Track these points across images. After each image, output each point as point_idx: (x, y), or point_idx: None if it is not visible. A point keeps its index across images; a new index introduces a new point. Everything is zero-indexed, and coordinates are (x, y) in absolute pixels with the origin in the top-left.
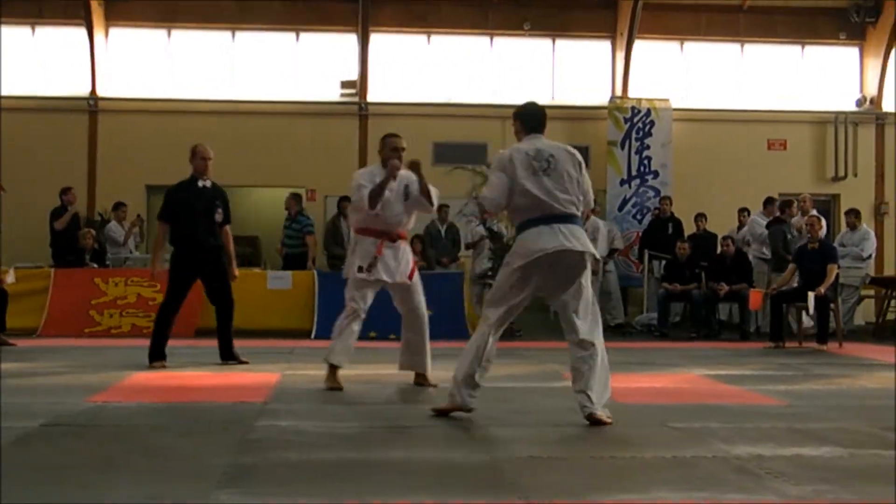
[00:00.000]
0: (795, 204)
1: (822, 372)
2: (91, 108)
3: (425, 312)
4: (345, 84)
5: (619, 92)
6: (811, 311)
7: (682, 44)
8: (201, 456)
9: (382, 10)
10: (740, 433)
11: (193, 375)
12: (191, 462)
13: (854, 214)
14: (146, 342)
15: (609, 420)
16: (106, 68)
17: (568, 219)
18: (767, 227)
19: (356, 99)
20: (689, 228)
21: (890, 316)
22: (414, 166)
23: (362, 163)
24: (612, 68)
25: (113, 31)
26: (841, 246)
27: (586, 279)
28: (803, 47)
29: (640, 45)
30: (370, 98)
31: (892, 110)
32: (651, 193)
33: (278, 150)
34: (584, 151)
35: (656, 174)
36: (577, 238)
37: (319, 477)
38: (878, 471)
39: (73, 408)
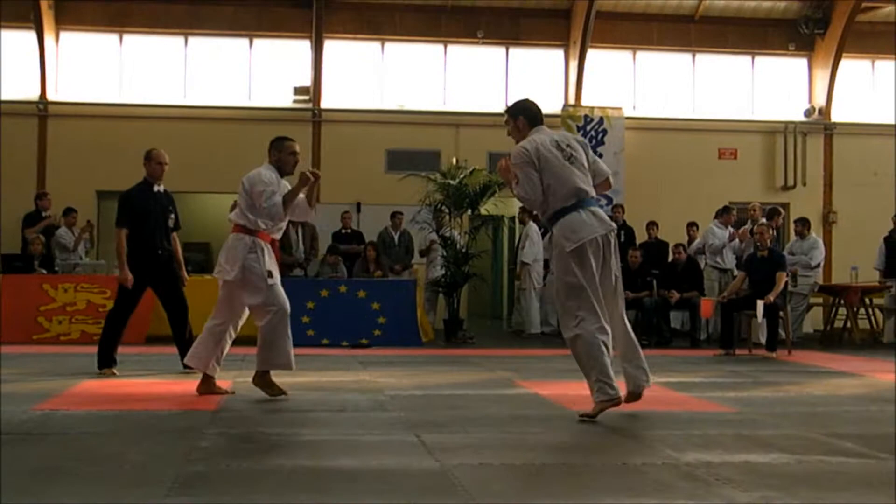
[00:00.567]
0: (735, 211)
1: (772, 379)
2: (41, 112)
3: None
4: (298, 90)
5: (572, 100)
6: (760, 318)
7: (634, 53)
8: (151, 464)
9: (336, 17)
10: (690, 440)
11: (143, 383)
12: (141, 470)
13: (803, 223)
14: (96, 349)
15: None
16: (56, 72)
17: (595, 202)
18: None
19: (310, 105)
20: (641, 236)
21: (838, 324)
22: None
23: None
24: (565, 77)
25: (63, 34)
26: (790, 255)
27: (616, 256)
28: (754, 58)
29: (592, 54)
30: (324, 105)
31: (841, 120)
32: (604, 201)
33: (231, 156)
34: None
35: None
36: (606, 220)
37: (270, 485)
38: (825, 477)
39: (19, 416)
